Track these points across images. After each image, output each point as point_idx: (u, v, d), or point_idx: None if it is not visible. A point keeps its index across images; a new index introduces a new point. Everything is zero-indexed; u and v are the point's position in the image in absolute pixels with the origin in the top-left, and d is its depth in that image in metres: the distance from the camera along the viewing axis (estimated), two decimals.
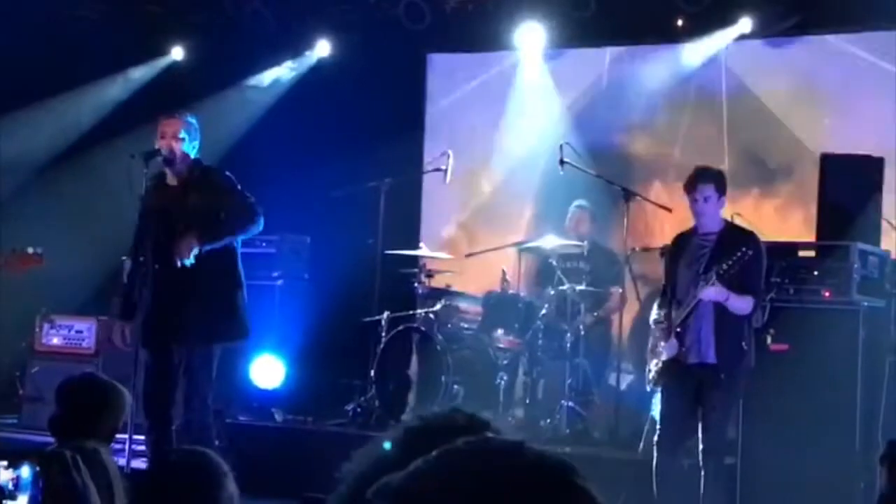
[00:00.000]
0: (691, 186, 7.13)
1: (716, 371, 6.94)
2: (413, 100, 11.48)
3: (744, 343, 7.02)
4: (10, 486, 2.38)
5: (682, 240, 7.34)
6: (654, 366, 7.27)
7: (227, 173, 7.39)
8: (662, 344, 7.15)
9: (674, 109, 10.62)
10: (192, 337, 7.14)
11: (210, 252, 7.16)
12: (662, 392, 7.31)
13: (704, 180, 7.10)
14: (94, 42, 10.96)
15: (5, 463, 2.43)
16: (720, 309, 6.95)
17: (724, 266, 6.77)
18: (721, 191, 7.12)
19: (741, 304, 6.94)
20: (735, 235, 7.09)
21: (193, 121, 7.43)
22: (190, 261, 7.02)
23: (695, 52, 10.39)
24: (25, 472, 2.41)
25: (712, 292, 6.83)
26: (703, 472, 6.99)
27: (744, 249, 6.81)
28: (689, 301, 7.00)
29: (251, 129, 11.42)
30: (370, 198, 9.81)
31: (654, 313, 7.42)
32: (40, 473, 2.39)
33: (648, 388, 7.90)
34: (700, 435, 7.05)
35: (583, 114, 10.87)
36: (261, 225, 7.32)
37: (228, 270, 7.31)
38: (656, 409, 7.72)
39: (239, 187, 7.31)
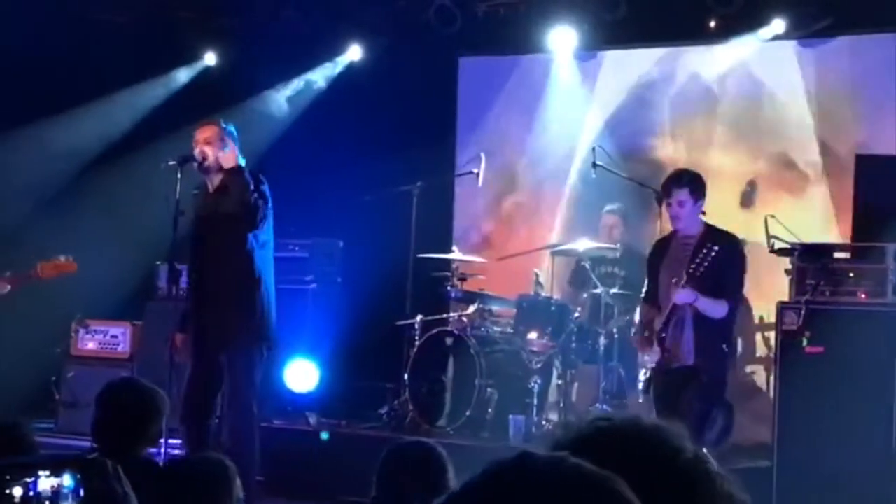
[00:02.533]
0: (666, 191, 7.16)
1: (695, 373, 6.92)
2: (445, 103, 11.47)
3: (724, 345, 7.01)
4: (51, 494, 2.40)
5: (663, 244, 7.37)
6: (642, 374, 7.28)
7: (248, 173, 7.24)
8: (648, 350, 7.17)
9: (706, 112, 10.57)
10: (228, 342, 7.18)
11: (244, 259, 7.20)
12: (654, 398, 7.30)
13: (678, 185, 7.12)
14: (127, 47, 11.01)
15: (47, 472, 2.44)
16: (698, 310, 6.96)
17: (692, 266, 6.77)
18: (697, 194, 7.13)
19: (712, 308, 6.93)
20: (713, 237, 7.07)
21: (229, 127, 7.43)
22: None
23: (727, 54, 10.34)
24: (67, 480, 2.43)
25: (682, 295, 6.84)
26: None
27: (709, 246, 6.81)
28: (666, 305, 7.02)
29: (284, 133, 11.45)
30: (402, 201, 9.83)
31: (637, 320, 7.46)
32: (81, 481, 2.41)
33: (640, 399, 7.91)
34: None
35: (615, 116, 10.84)
36: (256, 221, 7.17)
37: (261, 277, 7.33)
38: None
39: (251, 185, 7.20)
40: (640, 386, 7.36)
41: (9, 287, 8.26)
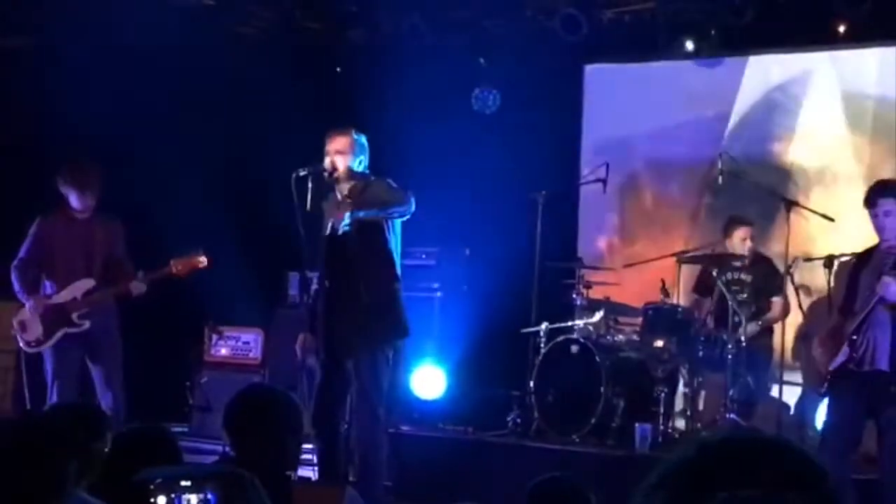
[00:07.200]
0: (872, 201, 6.95)
1: (888, 381, 6.78)
2: (570, 111, 11.47)
3: None
4: None
5: (866, 255, 7.18)
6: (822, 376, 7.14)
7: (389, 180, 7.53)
8: (830, 356, 7.02)
9: (834, 117, 10.42)
10: (357, 347, 7.29)
11: (376, 264, 7.32)
12: (831, 399, 7.15)
13: (885, 194, 6.93)
14: (260, 58, 11.22)
15: (189, 483, 2.54)
16: None
17: None
18: None
19: None
20: None
21: (359, 138, 7.57)
22: (346, 223, 7.19)
23: (856, 59, 10.19)
24: (210, 494, 2.52)
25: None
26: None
27: None
28: (864, 305, 6.86)
29: (411, 142, 11.55)
30: (528, 209, 9.88)
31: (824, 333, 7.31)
32: (223, 496, 2.50)
33: (820, 393, 7.77)
34: (879, 455, 6.87)
35: (741, 122, 10.75)
36: (411, 206, 7.40)
37: (389, 276, 7.45)
38: (820, 422, 7.61)
39: (393, 182, 7.46)
40: (822, 391, 7.21)
41: (144, 287, 8.52)
